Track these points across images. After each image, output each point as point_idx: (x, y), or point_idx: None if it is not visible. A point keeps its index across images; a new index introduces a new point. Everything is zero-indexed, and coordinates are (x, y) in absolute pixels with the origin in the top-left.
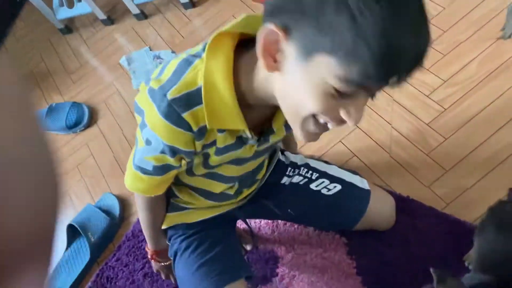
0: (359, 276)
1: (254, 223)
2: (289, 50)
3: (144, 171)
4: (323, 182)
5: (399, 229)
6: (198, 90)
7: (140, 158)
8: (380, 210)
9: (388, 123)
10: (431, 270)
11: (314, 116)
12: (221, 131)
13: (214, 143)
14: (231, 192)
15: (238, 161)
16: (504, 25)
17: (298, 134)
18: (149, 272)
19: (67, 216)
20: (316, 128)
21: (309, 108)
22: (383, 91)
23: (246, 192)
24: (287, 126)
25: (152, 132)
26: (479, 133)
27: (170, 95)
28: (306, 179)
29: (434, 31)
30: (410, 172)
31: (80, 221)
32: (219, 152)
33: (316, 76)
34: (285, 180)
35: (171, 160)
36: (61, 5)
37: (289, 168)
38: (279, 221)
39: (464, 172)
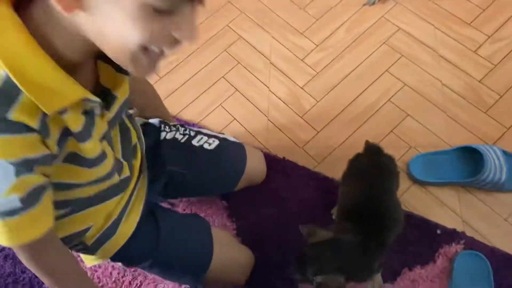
0: (239, 237)
1: None
2: None
3: (13, 212)
4: (202, 138)
5: (275, 188)
6: (7, 80)
7: None
8: (254, 163)
9: (266, 86)
10: (300, 227)
11: (144, 47)
12: (62, 112)
13: (68, 132)
14: (128, 173)
15: (106, 138)
16: None
17: (134, 71)
18: (10, 253)
19: None
20: (151, 58)
21: (134, 40)
22: (261, 54)
23: (136, 163)
24: (123, 70)
25: None
26: (346, 95)
27: None
28: (186, 136)
29: None
30: (286, 134)
31: None
32: (83, 136)
33: (126, 8)
34: (163, 135)
35: (34, 178)
36: None
37: (162, 125)
38: None
39: (333, 132)
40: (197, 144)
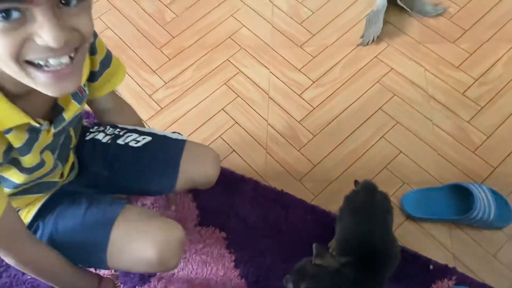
0: (238, 269)
1: None
2: None
3: None
4: (131, 135)
5: (273, 220)
6: None
7: None
8: (198, 163)
9: (265, 119)
10: (314, 245)
11: (26, 61)
12: (6, 131)
13: (11, 146)
14: (57, 178)
15: (49, 148)
16: (363, 33)
17: (40, 89)
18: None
19: None
20: (50, 74)
21: (5, 58)
22: (260, 88)
23: (67, 167)
24: (76, 96)
25: None
26: (342, 131)
27: None
28: (112, 136)
29: (304, 34)
30: (284, 167)
31: None
32: (24, 151)
33: None
34: (87, 136)
35: None
36: None
37: (94, 126)
38: None
39: (329, 166)
40: (122, 143)
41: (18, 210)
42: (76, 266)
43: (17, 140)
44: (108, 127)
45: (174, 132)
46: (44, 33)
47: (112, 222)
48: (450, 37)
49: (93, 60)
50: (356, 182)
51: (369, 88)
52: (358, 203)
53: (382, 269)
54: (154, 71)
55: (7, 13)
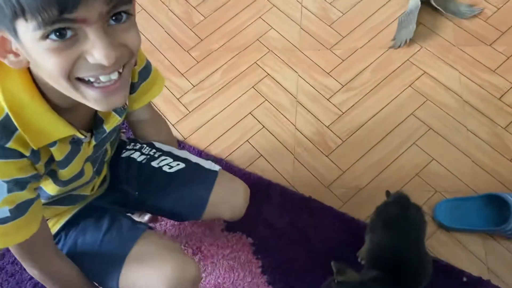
0: (265, 275)
1: (160, 225)
2: (8, 37)
3: (3, 221)
4: (165, 159)
5: (301, 227)
6: (7, 117)
7: None
8: (230, 196)
9: (293, 124)
10: (332, 263)
11: (77, 78)
12: (51, 144)
13: (52, 159)
14: (89, 190)
15: (89, 160)
16: (394, 35)
17: (90, 105)
18: (39, 283)
19: None
20: (99, 90)
21: (57, 74)
22: (288, 92)
23: (98, 180)
24: (117, 109)
25: None
26: (372, 137)
27: None
28: (147, 157)
29: (334, 36)
30: (312, 173)
31: None
32: (63, 165)
33: (32, 43)
34: (124, 153)
35: (23, 195)
36: None
37: (131, 143)
38: (186, 223)
39: (359, 173)
40: (156, 166)
41: (46, 220)
42: (92, 283)
43: (59, 152)
44: (144, 145)
45: (208, 160)
46: (96, 52)
47: (127, 251)
48: (486, 39)
49: (133, 71)
50: (387, 193)
51: (401, 93)
52: (391, 216)
53: (412, 286)
54: (182, 74)
55: (60, 33)
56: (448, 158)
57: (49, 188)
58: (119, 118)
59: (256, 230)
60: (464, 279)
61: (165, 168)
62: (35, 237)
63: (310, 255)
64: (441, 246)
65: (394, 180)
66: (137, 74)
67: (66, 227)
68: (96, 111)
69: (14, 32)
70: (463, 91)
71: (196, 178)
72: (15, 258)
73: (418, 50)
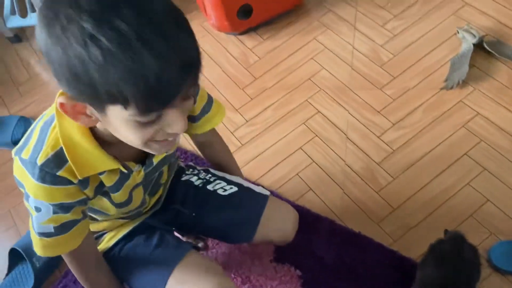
0: None
1: (211, 252)
2: (90, 109)
3: (48, 235)
4: (220, 183)
5: (349, 262)
6: (61, 151)
7: (38, 225)
8: (278, 219)
9: (342, 159)
10: None
11: (149, 140)
12: (100, 173)
13: (103, 184)
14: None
15: (140, 185)
16: (446, 77)
17: (152, 152)
18: None
19: (9, 239)
20: (162, 144)
21: (137, 142)
22: (338, 128)
23: (153, 199)
24: None
25: (37, 200)
26: (424, 175)
27: (39, 161)
28: (204, 181)
29: (385, 77)
30: (361, 209)
31: (24, 245)
32: (114, 189)
33: (120, 120)
34: (183, 177)
35: (67, 216)
36: (13, 13)
37: (189, 169)
38: (236, 251)
39: (410, 211)
40: (211, 189)
41: (105, 233)
42: None
43: (108, 180)
44: (201, 171)
45: (258, 186)
46: (175, 126)
47: (172, 268)
48: None
49: (193, 108)
50: (445, 231)
51: (454, 133)
52: (443, 253)
53: None
54: (236, 110)
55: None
56: (504, 200)
57: (108, 208)
58: (166, 153)
59: (305, 263)
60: None
61: (220, 191)
62: (75, 253)
63: None
64: None
65: (447, 220)
66: (199, 109)
67: (121, 242)
68: None
69: (102, 109)
70: None
71: (248, 201)
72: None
73: (471, 92)
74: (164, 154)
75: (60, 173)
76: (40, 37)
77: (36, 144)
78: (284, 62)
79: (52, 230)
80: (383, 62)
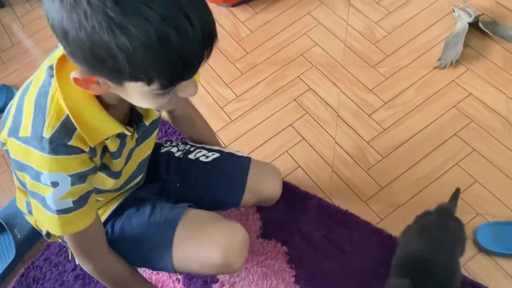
0: (297, 285)
1: None
2: (103, 80)
3: (67, 211)
4: (201, 151)
5: (336, 240)
6: (68, 119)
7: (56, 202)
8: (263, 179)
9: (332, 138)
10: None
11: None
12: (106, 139)
13: (106, 149)
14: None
15: (129, 155)
16: (440, 56)
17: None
18: (80, 274)
19: None
20: (173, 103)
21: (149, 107)
22: (329, 106)
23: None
24: None
25: (53, 173)
26: (413, 155)
27: (46, 134)
28: (184, 151)
29: (378, 54)
30: (350, 187)
31: (6, 216)
32: (117, 155)
33: (138, 92)
34: (162, 149)
35: (84, 187)
36: None
37: (167, 142)
38: None
39: (398, 190)
40: (193, 158)
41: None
42: (141, 276)
43: (113, 145)
44: (179, 143)
45: (237, 151)
46: (189, 91)
47: (175, 225)
48: None
49: None
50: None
51: (445, 113)
52: (428, 224)
53: None
54: (227, 84)
55: None
56: (492, 181)
57: (106, 182)
58: (157, 113)
59: (292, 240)
60: None
61: (202, 159)
62: (91, 229)
63: (344, 268)
64: (481, 270)
65: (434, 200)
66: None
67: (111, 218)
68: (132, 107)
69: (119, 83)
70: (510, 115)
71: (232, 164)
72: (60, 249)
73: (464, 72)
74: (154, 114)
75: (71, 142)
76: (56, 16)
77: (34, 119)
78: (277, 37)
79: (71, 205)
80: (377, 39)
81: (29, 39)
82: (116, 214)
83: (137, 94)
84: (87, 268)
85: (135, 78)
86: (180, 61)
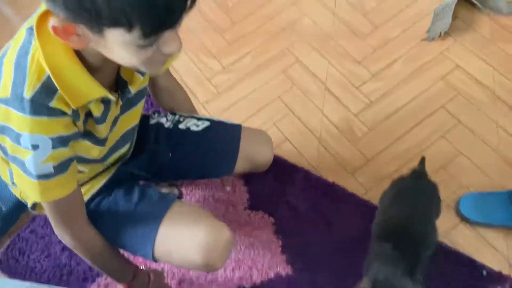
0: (284, 255)
1: (184, 200)
2: (83, 30)
3: (47, 176)
4: (191, 120)
5: (323, 211)
6: (49, 79)
7: (36, 165)
8: (255, 146)
9: (320, 110)
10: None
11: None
12: (88, 103)
13: (90, 114)
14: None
15: (115, 122)
16: (429, 28)
17: (147, 72)
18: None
19: None
20: (160, 60)
21: (135, 63)
22: (317, 78)
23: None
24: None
25: (34, 135)
26: (400, 127)
27: (27, 94)
28: (173, 122)
29: (367, 26)
30: (337, 160)
31: None
32: (101, 120)
33: (119, 43)
34: (151, 121)
35: (66, 152)
36: None
37: (155, 114)
38: (210, 199)
39: (383, 162)
40: (184, 127)
41: (81, 185)
42: (119, 252)
43: (96, 109)
44: (168, 113)
45: (228, 119)
46: (173, 46)
47: (160, 220)
48: None
49: None
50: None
51: (432, 85)
52: (403, 187)
53: (417, 255)
54: (213, 55)
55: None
56: (476, 153)
57: (91, 151)
58: (142, 78)
59: (279, 211)
60: (484, 273)
61: (193, 128)
62: (71, 198)
63: (330, 239)
64: (463, 239)
65: None
66: None
67: (98, 196)
68: (118, 72)
69: (99, 32)
70: (496, 87)
71: (224, 132)
72: (46, 221)
73: (452, 44)
74: (140, 81)
75: (53, 104)
76: None
77: (16, 78)
78: (265, 7)
79: (52, 170)
80: (366, 10)
81: (9, 6)
82: (103, 192)
83: (118, 45)
84: (65, 239)
85: (114, 22)
86: (162, 3)
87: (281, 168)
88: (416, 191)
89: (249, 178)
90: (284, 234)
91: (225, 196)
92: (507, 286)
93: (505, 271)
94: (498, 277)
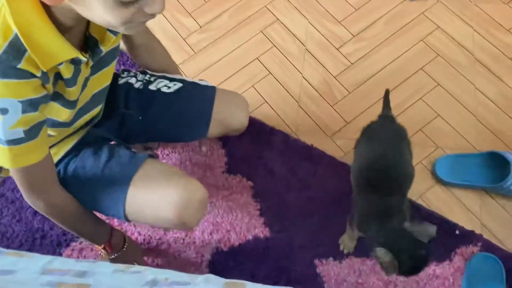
0: (262, 217)
1: None
2: None
3: (18, 141)
4: (162, 81)
5: (301, 174)
6: (17, 38)
7: (6, 131)
8: (229, 108)
9: (300, 72)
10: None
11: (127, 21)
12: (59, 64)
13: (59, 76)
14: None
15: (85, 84)
16: None
17: (125, 32)
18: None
19: None
20: (140, 21)
21: (115, 22)
22: (296, 39)
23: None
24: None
25: (2, 99)
26: (379, 90)
27: None
28: (143, 82)
29: None
30: (316, 122)
31: None
32: (72, 83)
33: (95, 2)
34: (120, 80)
35: (36, 116)
36: None
37: (124, 72)
38: (187, 162)
39: (362, 124)
40: (154, 89)
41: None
42: (93, 215)
43: (67, 71)
44: (138, 73)
45: (201, 80)
46: (156, 6)
47: (130, 179)
48: None
49: None
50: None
51: (412, 47)
52: (374, 131)
53: (400, 188)
54: (189, 13)
55: None
56: (453, 115)
57: (61, 113)
58: (114, 37)
59: (257, 174)
60: (457, 232)
61: (164, 89)
62: (43, 164)
63: (309, 201)
64: (437, 200)
65: None
66: None
67: (65, 158)
68: (88, 31)
69: None
70: (475, 49)
71: (196, 94)
72: (16, 185)
73: (434, 4)
74: (112, 40)
75: (21, 66)
76: None
77: None
78: None
79: (22, 135)
80: None
81: None
82: (70, 153)
83: (98, 2)
84: (38, 206)
85: None
86: None
87: (259, 131)
88: (387, 132)
89: (226, 140)
90: (263, 197)
91: (203, 160)
92: (478, 245)
93: (478, 230)
94: (470, 236)
